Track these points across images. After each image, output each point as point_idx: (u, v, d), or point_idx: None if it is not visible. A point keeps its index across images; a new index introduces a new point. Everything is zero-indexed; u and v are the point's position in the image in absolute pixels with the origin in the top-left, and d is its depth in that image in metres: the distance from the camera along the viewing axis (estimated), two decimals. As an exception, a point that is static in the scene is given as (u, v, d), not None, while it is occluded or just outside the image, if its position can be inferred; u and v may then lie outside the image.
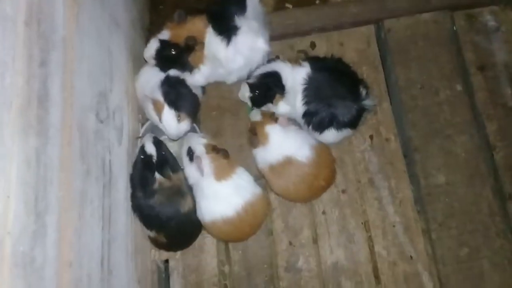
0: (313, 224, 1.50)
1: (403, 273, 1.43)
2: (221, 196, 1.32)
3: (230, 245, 1.49)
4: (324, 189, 1.45)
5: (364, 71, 1.64)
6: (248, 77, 1.50)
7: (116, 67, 1.32)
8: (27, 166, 0.79)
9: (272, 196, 1.52)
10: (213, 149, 1.34)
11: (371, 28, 1.70)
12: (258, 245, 1.49)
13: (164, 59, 1.43)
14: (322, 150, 1.43)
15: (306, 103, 1.42)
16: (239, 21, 1.43)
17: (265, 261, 1.47)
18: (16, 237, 0.73)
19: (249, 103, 1.48)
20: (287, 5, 1.79)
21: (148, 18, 1.80)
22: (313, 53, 1.67)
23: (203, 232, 1.47)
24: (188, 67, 1.45)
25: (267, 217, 1.49)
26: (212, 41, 1.43)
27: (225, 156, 1.34)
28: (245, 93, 1.45)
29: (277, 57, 1.58)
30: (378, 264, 1.44)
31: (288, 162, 1.37)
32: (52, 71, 0.90)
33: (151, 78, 1.46)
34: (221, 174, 1.33)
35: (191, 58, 1.44)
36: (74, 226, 0.94)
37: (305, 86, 1.42)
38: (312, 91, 1.42)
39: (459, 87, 1.58)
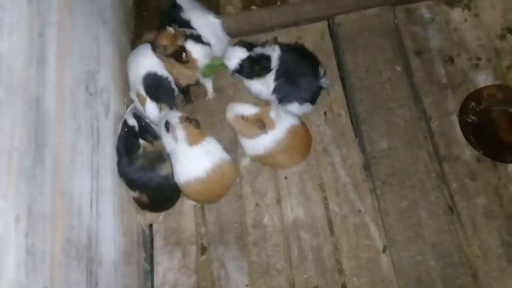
0: (276, 187, 1.73)
1: (353, 225, 1.65)
2: (193, 160, 1.55)
3: (206, 208, 1.72)
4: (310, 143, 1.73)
5: (319, 59, 1.90)
6: (245, 45, 1.70)
7: (103, 55, 1.57)
8: (29, 108, 1.03)
9: (241, 166, 1.75)
10: (186, 119, 1.58)
11: (324, 23, 1.98)
12: (229, 207, 1.71)
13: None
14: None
15: (276, 79, 1.68)
16: (185, 16, 1.72)
17: (236, 220, 1.69)
18: (21, 154, 0.97)
19: (232, 65, 1.68)
20: (253, 6, 2.07)
21: (133, 23, 2.07)
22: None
23: (182, 197, 1.70)
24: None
25: (237, 184, 1.72)
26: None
27: (196, 125, 1.58)
28: (237, 56, 1.66)
29: (266, 42, 1.78)
30: (332, 218, 1.66)
31: (292, 131, 1.62)
32: (48, 42, 1.16)
33: (136, 71, 1.72)
34: (192, 140, 1.56)
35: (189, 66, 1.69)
36: (67, 166, 1.18)
37: (277, 66, 1.68)
38: (281, 70, 1.68)
39: (398, 69, 1.83)
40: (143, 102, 1.68)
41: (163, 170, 1.58)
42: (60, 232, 1.09)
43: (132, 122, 1.57)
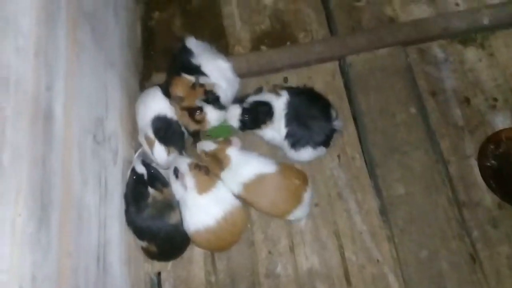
0: (289, 234, 1.66)
1: (371, 275, 1.57)
2: (203, 208, 1.50)
3: (216, 256, 1.65)
4: (303, 188, 1.57)
5: (331, 100, 1.85)
6: (240, 101, 1.69)
7: (111, 99, 1.54)
8: (35, 166, 0.98)
9: (252, 211, 1.69)
10: (196, 167, 1.53)
11: (335, 63, 1.94)
12: (241, 255, 1.64)
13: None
14: (285, 165, 1.62)
15: (287, 125, 1.63)
16: (194, 60, 1.68)
17: (247, 269, 1.62)
18: (24, 220, 0.91)
19: (235, 125, 1.66)
20: (262, 47, 2.04)
21: (142, 63, 2.05)
22: (283, 85, 1.90)
23: (191, 245, 1.63)
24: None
25: (248, 230, 1.66)
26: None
27: (206, 172, 1.53)
28: (235, 114, 1.64)
29: (261, 88, 1.77)
30: (349, 268, 1.59)
31: (261, 178, 1.54)
32: (56, 94, 1.12)
33: (145, 114, 1.69)
34: (202, 188, 1.51)
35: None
36: (74, 223, 1.12)
37: (286, 111, 1.63)
38: (291, 114, 1.63)
39: (413, 110, 1.79)
40: (151, 145, 1.63)
41: (173, 219, 1.52)
42: (66, 296, 1.03)
43: (141, 169, 1.52)
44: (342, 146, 1.78)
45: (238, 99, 1.70)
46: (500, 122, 1.76)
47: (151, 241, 1.50)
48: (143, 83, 1.96)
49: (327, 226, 1.66)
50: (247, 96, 1.71)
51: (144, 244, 1.51)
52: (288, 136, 1.63)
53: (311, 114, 1.65)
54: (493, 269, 1.55)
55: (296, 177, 1.57)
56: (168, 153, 1.63)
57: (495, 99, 1.80)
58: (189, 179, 1.50)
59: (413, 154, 1.72)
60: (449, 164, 1.72)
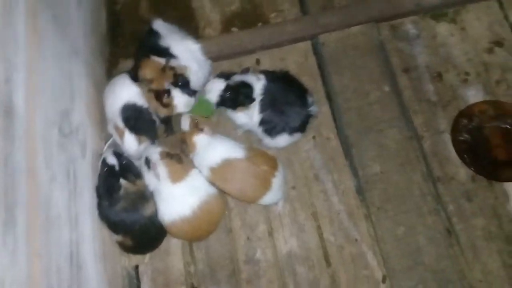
0: (267, 219, 1.65)
1: (350, 255, 1.58)
2: (178, 197, 1.47)
3: (194, 245, 1.63)
4: (271, 174, 1.54)
5: (304, 81, 1.82)
6: (226, 76, 1.66)
7: (77, 90, 1.48)
8: (-4, 166, 0.94)
9: (229, 198, 1.67)
10: (167, 155, 1.49)
11: (308, 43, 1.91)
12: (219, 243, 1.63)
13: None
14: (254, 150, 1.60)
15: (262, 111, 1.60)
16: (164, 43, 1.63)
17: (226, 256, 1.61)
18: (-11, 222, 0.87)
19: (213, 99, 1.63)
20: (233, 29, 1.99)
21: (108, 50, 1.98)
22: (258, 68, 1.87)
23: (168, 236, 1.60)
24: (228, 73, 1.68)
25: (226, 216, 1.64)
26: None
27: (179, 160, 1.50)
28: (217, 89, 1.61)
29: (249, 68, 1.73)
30: (328, 248, 1.60)
31: (228, 163, 1.51)
32: (16, 87, 1.06)
33: (114, 102, 1.63)
34: (176, 177, 1.48)
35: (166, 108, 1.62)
36: (42, 223, 1.08)
37: (261, 96, 1.60)
38: (267, 100, 1.60)
39: (387, 88, 1.78)
40: (121, 135, 1.58)
41: (147, 210, 1.49)
42: (38, 298, 1.00)
43: (112, 160, 1.48)
44: (317, 127, 1.77)
45: (224, 74, 1.67)
46: (472, 96, 1.77)
47: (126, 234, 1.47)
48: (111, 71, 1.89)
49: (305, 208, 1.65)
50: (233, 73, 1.68)
51: (119, 238, 1.48)
52: (262, 123, 1.60)
53: (287, 100, 1.61)
54: (469, 241, 1.57)
55: (264, 162, 1.54)
56: (139, 142, 1.59)
57: (467, 74, 1.81)
58: (161, 169, 1.47)
59: (387, 132, 1.71)
60: (423, 140, 1.72)
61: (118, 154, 1.51)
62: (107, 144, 1.61)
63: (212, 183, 1.54)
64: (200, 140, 1.54)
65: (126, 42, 2.02)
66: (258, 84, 1.61)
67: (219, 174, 1.51)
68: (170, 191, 1.47)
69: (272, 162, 1.56)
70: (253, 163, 1.52)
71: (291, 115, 1.60)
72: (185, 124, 1.61)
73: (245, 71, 1.68)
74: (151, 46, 1.65)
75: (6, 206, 0.94)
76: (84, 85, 1.58)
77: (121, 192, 1.45)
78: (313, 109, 1.64)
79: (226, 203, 1.65)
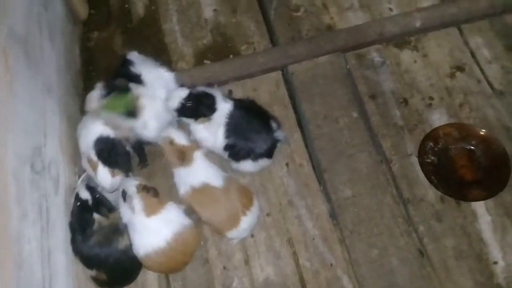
0: (243, 247, 1.66)
1: (326, 280, 1.60)
2: (152, 230, 1.47)
3: (170, 277, 1.62)
4: (243, 212, 1.56)
5: (276, 110, 1.89)
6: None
7: (50, 126, 1.50)
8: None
9: (205, 227, 1.68)
10: (144, 188, 1.51)
11: (278, 73, 1.98)
12: (196, 273, 1.63)
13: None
14: (235, 183, 1.63)
15: (227, 136, 1.63)
16: (136, 70, 1.68)
17: (204, 287, 1.61)
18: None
19: (174, 107, 1.61)
20: (206, 61, 2.05)
21: (82, 85, 2.00)
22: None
23: (143, 269, 1.60)
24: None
25: (202, 247, 1.65)
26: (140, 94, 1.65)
27: (155, 194, 1.51)
28: (179, 96, 1.60)
29: (231, 91, 1.83)
30: (304, 274, 1.61)
31: (206, 188, 1.55)
32: (-14, 127, 1.08)
33: (87, 135, 1.64)
34: (151, 210, 1.48)
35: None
36: (13, 260, 1.08)
37: (227, 120, 1.63)
38: (232, 126, 1.63)
39: (355, 114, 1.84)
40: (94, 168, 1.59)
41: (121, 244, 1.49)
42: None
43: (85, 195, 1.49)
44: (290, 154, 1.81)
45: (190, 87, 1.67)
46: (437, 119, 1.84)
47: (100, 269, 1.46)
48: (84, 106, 1.91)
49: (280, 234, 1.68)
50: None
51: (93, 273, 1.47)
52: (227, 148, 1.63)
53: (251, 127, 1.65)
54: (441, 261, 1.60)
55: (238, 198, 1.57)
56: (113, 175, 1.59)
57: (431, 98, 1.89)
58: (137, 202, 1.48)
59: (358, 156, 1.76)
60: (392, 163, 1.77)
61: (91, 188, 1.52)
62: (80, 180, 1.62)
63: (186, 201, 1.56)
64: (199, 156, 1.57)
65: (100, 77, 2.05)
66: (226, 106, 1.64)
67: (197, 196, 1.54)
68: (144, 224, 1.48)
69: (246, 200, 1.58)
70: (228, 196, 1.54)
71: (256, 141, 1.63)
72: (170, 135, 1.62)
73: (209, 84, 1.71)
74: (123, 73, 1.68)
75: (-25, 245, 0.94)
76: (57, 121, 1.60)
77: (95, 226, 1.45)
78: (279, 134, 1.67)
79: (202, 233, 1.67)
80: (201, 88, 1.65)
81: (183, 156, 1.59)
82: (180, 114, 1.63)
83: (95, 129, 1.63)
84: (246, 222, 1.56)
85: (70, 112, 1.74)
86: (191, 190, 1.55)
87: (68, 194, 1.53)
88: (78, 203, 1.47)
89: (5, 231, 1.07)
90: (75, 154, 1.67)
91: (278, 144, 1.70)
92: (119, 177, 1.60)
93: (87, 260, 1.45)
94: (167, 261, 1.50)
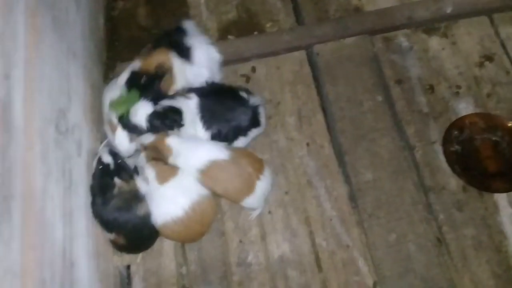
0: (260, 223, 1.66)
1: (342, 260, 1.59)
2: (169, 198, 1.47)
3: (186, 247, 1.63)
4: (256, 176, 1.53)
5: (299, 89, 1.87)
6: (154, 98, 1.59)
7: (73, 91, 1.49)
8: (-7, 157, 0.94)
9: (222, 200, 1.68)
10: (154, 158, 1.50)
11: (302, 53, 1.95)
12: (212, 245, 1.62)
13: (135, 86, 1.60)
14: (240, 151, 1.60)
15: (208, 128, 1.60)
16: (187, 41, 1.65)
17: (219, 259, 1.61)
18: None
19: (140, 123, 1.55)
20: (230, 36, 2.02)
21: (105, 53, 1.99)
22: (254, 76, 1.90)
23: (160, 237, 1.60)
24: (159, 93, 1.60)
25: (219, 219, 1.65)
26: (178, 65, 1.64)
27: (165, 161, 1.50)
28: (142, 112, 1.54)
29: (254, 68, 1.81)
30: (320, 254, 1.60)
31: (214, 164, 1.50)
32: (14, 84, 1.07)
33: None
34: (163, 178, 1.48)
35: (162, 84, 1.61)
36: (37, 216, 1.08)
37: (200, 114, 1.59)
38: (207, 116, 1.60)
39: (380, 98, 1.81)
40: (114, 130, 1.59)
41: (140, 210, 1.49)
42: (31, 290, 0.99)
43: (107, 159, 1.49)
44: (311, 134, 1.79)
45: (154, 97, 1.58)
46: (463, 108, 1.81)
47: (119, 233, 1.46)
48: (108, 74, 1.91)
49: (298, 213, 1.66)
50: (159, 96, 1.60)
51: (112, 236, 1.48)
52: (214, 137, 1.61)
53: (225, 107, 1.62)
54: (459, 250, 1.58)
55: (249, 164, 1.53)
56: (130, 140, 1.59)
57: (459, 86, 1.85)
58: (149, 171, 1.47)
59: (380, 141, 1.74)
60: (415, 150, 1.75)
61: (113, 153, 1.52)
62: (102, 144, 1.62)
63: (201, 183, 1.53)
64: (173, 142, 1.52)
65: (123, 47, 2.05)
66: (191, 103, 1.59)
67: (208, 175, 1.51)
68: (160, 192, 1.47)
69: (258, 164, 1.56)
70: (238, 164, 1.52)
71: (236, 118, 1.60)
72: (140, 141, 1.58)
73: (174, 95, 1.62)
74: (174, 40, 1.66)
75: (2, 197, 0.94)
76: (81, 87, 1.59)
77: (115, 190, 1.45)
78: (254, 100, 1.63)
79: (219, 206, 1.66)
80: (164, 103, 1.57)
81: (157, 151, 1.52)
82: (150, 130, 1.57)
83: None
84: (261, 186, 1.54)
85: (93, 80, 1.73)
86: (200, 173, 1.51)
87: (90, 158, 1.52)
88: (100, 167, 1.47)
89: (30, 186, 1.07)
90: (98, 121, 1.67)
91: (260, 110, 1.66)
92: (135, 144, 1.60)
93: (107, 224, 1.45)
94: (185, 230, 1.49)
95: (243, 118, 1.61)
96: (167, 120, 1.54)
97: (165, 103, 1.57)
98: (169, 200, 1.48)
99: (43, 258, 1.07)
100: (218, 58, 1.72)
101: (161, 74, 1.60)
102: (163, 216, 1.48)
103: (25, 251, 1.00)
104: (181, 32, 1.69)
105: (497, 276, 1.55)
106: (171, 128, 1.56)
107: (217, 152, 1.53)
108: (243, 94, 1.64)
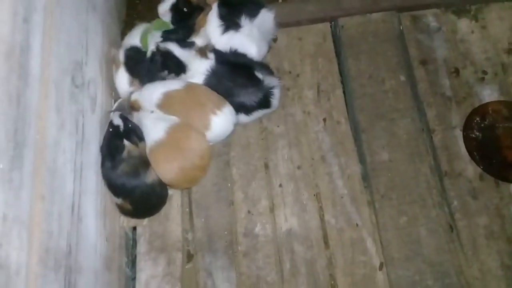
0: (270, 195, 1.64)
1: (350, 239, 1.57)
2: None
3: (194, 213, 1.61)
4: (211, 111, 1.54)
5: (320, 63, 1.82)
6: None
7: (91, 45, 1.45)
8: (8, 101, 0.92)
9: (234, 170, 1.66)
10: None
11: (326, 25, 1.89)
12: (220, 213, 1.61)
13: (178, 14, 1.63)
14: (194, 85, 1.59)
15: None
16: (244, 21, 1.62)
17: (226, 228, 1.59)
18: (-3, 155, 0.85)
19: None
20: (253, 3, 1.96)
21: (125, 11, 1.95)
22: (274, 46, 1.85)
23: (168, 201, 1.59)
24: (191, 29, 1.64)
25: (228, 189, 1.63)
26: (212, 20, 1.61)
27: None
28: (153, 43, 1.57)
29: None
30: (328, 231, 1.58)
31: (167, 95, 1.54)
32: (33, 29, 1.04)
33: (127, 42, 1.67)
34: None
35: (199, 19, 1.62)
36: (48, 166, 1.06)
37: (206, 78, 1.58)
38: (212, 83, 1.58)
39: (402, 78, 1.76)
40: (117, 67, 1.61)
41: (149, 178, 1.47)
42: (38, 240, 0.98)
43: (118, 122, 1.46)
44: (329, 109, 1.75)
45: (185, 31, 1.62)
46: (487, 95, 1.75)
47: (126, 198, 1.45)
48: (125, 32, 1.86)
49: (308, 188, 1.64)
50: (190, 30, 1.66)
51: (119, 201, 1.46)
52: None
53: (235, 83, 1.59)
54: (470, 238, 1.56)
55: (205, 96, 1.54)
56: (130, 84, 1.60)
57: (484, 72, 1.79)
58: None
59: (399, 122, 1.70)
60: (434, 133, 1.70)
61: (124, 117, 1.50)
62: (116, 103, 1.59)
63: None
64: (136, 95, 1.57)
65: (142, 6, 2.00)
66: (204, 64, 1.58)
67: (164, 106, 1.52)
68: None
69: (215, 99, 1.55)
70: (192, 94, 1.54)
71: (244, 95, 1.58)
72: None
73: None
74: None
75: (15, 143, 0.92)
76: (99, 42, 1.56)
77: (124, 154, 1.43)
78: (270, 81, 1.60)
79: (230, 175, 1.65)
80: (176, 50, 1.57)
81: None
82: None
83: (135, 39, 1.64)
84: (218, 123, 1.54)
85: (111, 36, 1.69)
86: (158, 107, 1.53)
87: (104, 116, 1.50)
88: (111, 129, 1.45)
89: (43, 136, 1.05)
90: (113, 78, 1.63)
91: (274, 91, 1.62)
92: (134, 88, 1.61)
93: (114, 188, 1.43)
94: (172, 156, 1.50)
95: (250, 99, 1.58)
96: (165, 60, 1.55)
97: (176, 50, 1.55)
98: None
99: (51, 210, 1.06)
100: (270, 19, 1.69)
101: (201, 7, 1.60)
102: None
103: (34, 200, 0.98)
104: (254, 11, 1.65)
105: (507, 267, 1.52)
106: (164, 71, 1.57)
107: (170, 84, 1.54)
108: (259, 75, 1.59)
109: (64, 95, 1.19)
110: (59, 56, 1.18)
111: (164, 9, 1.67)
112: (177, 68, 1.57)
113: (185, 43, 1.57)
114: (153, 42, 1.57)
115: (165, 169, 1.51)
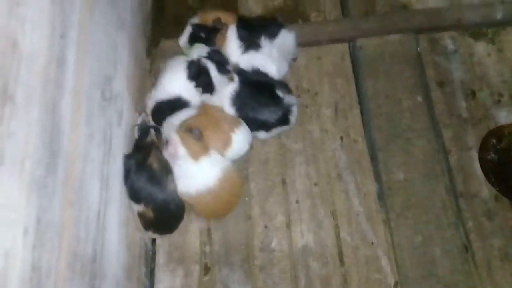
0: (287, 211, 1.66)
1: (365, 257, 1.58)
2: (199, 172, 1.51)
3: (212, 227, 1.65)
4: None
5: (338, 83, 1.86)
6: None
7: (119, 60, 1.51)
8: (45, 113, 0.97)
9: (251, 185, 1.69)
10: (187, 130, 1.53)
11: (345, 45, 1.93)
12: (237, 228, 1.64)
13: (197, 41, 1.70)
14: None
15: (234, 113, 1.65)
16: (264, 42, 1.68)
17: (243, 242, 1.62)
18: (34, 162, 0.90)
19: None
20: (274, 23, 2.02)
21: (150, 30, 2.02)
22: (294, 64, 1.90)
23: (188, 213, 1.62)
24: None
25: (246, 203, 1.66)
26: (231, 39, 1.68)
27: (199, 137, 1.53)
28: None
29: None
30: (343, 248, 1.60)
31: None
32: (69, 43, 1.10)
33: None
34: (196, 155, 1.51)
35: (217, 39, 1.69)
36: (78, 174, 1.11)
37: (231, 100, 1.65)
38: (238, 104, 1.65)
39: (419, 99, 1.79)
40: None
41: (171, 185, 1.51)
42: (67, 245, 1.02)
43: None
44: (346, 128, 1.78)
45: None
46: (503, 117, 1.77)
47: (148, 204, 1.48)
48: (151, 49, 1.94)
49: (325, 205, 1.66)
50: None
51: (140, 208, 1.49)
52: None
53: (258, 103, 1.65)
54: (485, 260, 1.56)
55: (221, 116, 1.62)
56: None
57: (501, 95, 1.81)
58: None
59: (415, 142, 1.72)
60: (450, 154, 1.72)
61: (156, 127, 1.55)
62: (140, 116, 1.64)
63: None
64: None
65: (167, 24, 2.07)
66: (229, 86, 1.66)
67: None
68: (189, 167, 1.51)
69: (231, 119, 1.63)
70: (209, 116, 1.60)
71: (265, 114, 1.64)
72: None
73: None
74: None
75: (50, 151, 0.97)
76: (126, 58, 1.62)
77: (149, 160, 1.47)
78: (289, 99, 1.66)
79: (248, 190, 1.68)
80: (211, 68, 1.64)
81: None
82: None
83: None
84: (237, 140, 1.60)
85: (137, 53, 1.76)
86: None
87: (128, 129, 1.55)
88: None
89: (74, 146, 1.10)
90: (137, 93, 1.69)
91: (293, 109, 1.68)
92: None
93: (136, 193, 1.46)
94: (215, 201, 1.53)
95: (272, 117, 1.64)
96: (198, 76, 1.61)
97: (213, 71, 1.62)
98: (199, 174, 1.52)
99: (80, 217, 1.10)
100: (291, 42, 1.76)
101: (218, 27, 1.67)
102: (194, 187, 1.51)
103: (65, 207, 1.03)
104: (274, 31, 1.73)
105: (522, 290, 1.52)
106: (193, 82, 1.62)
107: (186, 112, 1.59)
108: (280, 93, 1.65)
109: (94, 107, 1.25)
110: (91, 69, 1.24)
111: (184, 41, 1.73)
112: (207, 87, 1.62)
113: (223, 69, 1.64)
114: (197, 53, 1.63)
115: (208, 212, 1.59)
